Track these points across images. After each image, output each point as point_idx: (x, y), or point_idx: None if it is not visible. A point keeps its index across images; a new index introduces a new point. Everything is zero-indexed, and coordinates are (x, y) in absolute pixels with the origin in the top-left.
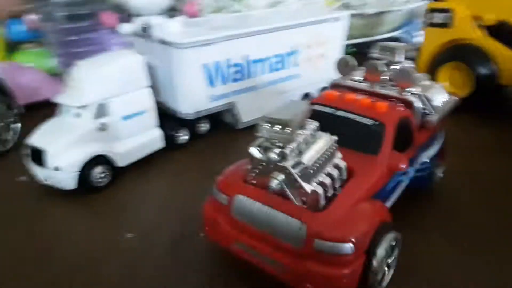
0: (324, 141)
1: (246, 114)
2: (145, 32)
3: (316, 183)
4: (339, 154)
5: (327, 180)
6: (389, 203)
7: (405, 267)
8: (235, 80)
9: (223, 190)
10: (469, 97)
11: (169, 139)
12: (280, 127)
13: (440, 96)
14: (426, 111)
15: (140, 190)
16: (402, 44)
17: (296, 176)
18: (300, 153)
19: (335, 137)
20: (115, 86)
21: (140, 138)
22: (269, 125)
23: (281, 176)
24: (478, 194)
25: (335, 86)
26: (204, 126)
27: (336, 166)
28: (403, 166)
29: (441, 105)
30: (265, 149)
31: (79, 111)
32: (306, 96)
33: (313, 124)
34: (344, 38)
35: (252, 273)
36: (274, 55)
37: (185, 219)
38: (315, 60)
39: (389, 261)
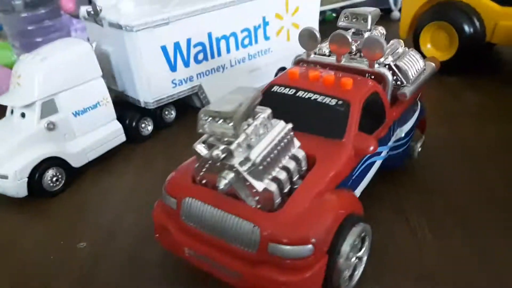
0: (278, 131)
1: (215, 97)
2: (92, 16)
3: (268, 179)
4: (296, 143)
5: (282, 175)
6: (359, 189)
7: (380, 255)
8: (198, 61)
9: (171, 193)
10: (454, 59)
11: (132, 131)
12: (222, 120)
13: (415, 65)
14: (399, 83)
15: (100, 190)
16: (370, 9)
17: (245, 174)
18: (249, 146)
19: (290, 125)
20: (61, 80)
21: (97, 134)
22: (211, 118)
23: (230, 175)
24: (462, 165)
25: (299, 62)
26: (170, 114)
27: (293, 157)
28: (372, 148)
29: (415, 75)
30: (210, 146)
31: (23, 111)
32: (281, 70)
33: (265, 113)
34: (318, 3)
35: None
36: (240, 30)
37: (147, 219)
38: (287, 31)
39: (359, 254)
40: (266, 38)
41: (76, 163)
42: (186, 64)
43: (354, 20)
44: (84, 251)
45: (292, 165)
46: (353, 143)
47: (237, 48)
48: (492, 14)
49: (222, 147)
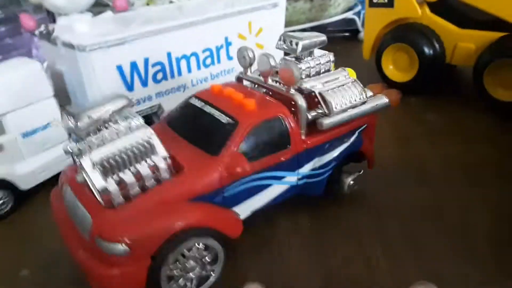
0: (136, 136)
1: None
2: (44, 35)
3: (114, 179)
4: (160, 151)
5: (129, 178)
6: (244, 208)
7: (334, 280)
8: (157, 80)
9: (60, 179)
10: (415, 80)
11: None
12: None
13: (346, 97)
14: (320, 112)
15: (48, 214)
16: (307, 33)
17: (87, 172)
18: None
19: (151, 132)
20: (9, 100)
21: (48, 155)
22: (67, 117)
23: (83, 171)
24: (418, 186)
25: (238, 78)
26: None
27: (152, 163)
28: (239, 170)
29: (343, 107)
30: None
31: None
32: None
33: (136, 119)
34: (282, 24)
35: None
36: (202, 50)
37: None
38: None
39: (211, 267)
40: (229, 58)
41: (25, 185)
42: (144, 83)
43: (289, 43)
44: (26, 280)
45: (145, 170)
46: (227, 161)
47: (198, 67)
48: (452, 36)
49: (72, 144)
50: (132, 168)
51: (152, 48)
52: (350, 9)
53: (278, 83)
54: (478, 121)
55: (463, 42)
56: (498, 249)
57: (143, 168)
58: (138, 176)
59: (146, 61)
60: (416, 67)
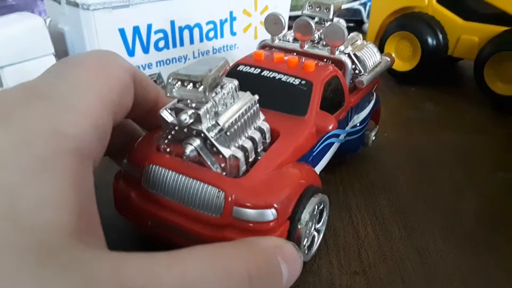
0: (244, 101)
1: None
2: None
3: (235, 147)
4: (262, 116)
5: (248, 144)
6: (318, 168)
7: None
8: (159, 48)
9: (133, 161)
10: (416, 69)
11: None
12: (192, 85)
13: (372, 57)
14: (357, 71)
15: None
16: (335, 0)
17: (212, 140)
18: (217, 114)
19: (256, 97)
20: (8, 53)
21: None
22: (179, 83)
23: (197, 142)
24: (411, 168)
25: (264, 47)
26: None
27: (259, 129)
28: (331, 127)
29: (372, 66)
30: (177, 112)
31: None
32: None
33: (232, 83)
34: (288, 5)
35: None
36: (206, 22)
37: None
38: (255, 28)
39: (318, 226)
40: (233, 33)
41: None
42: (145, 50)
43: (317, 9)
44: None
45: (257, 135)
46: (315, 120)
47: (201, 40)
48: (456, 28)
49: (190, 111)
50: (245, 134)
51: (156, 14)
52: None
53: (314, 48)
54: (475, 113)
55: (467, 35)
56: (486, 228)
57: (255, 133)
58: (252, 141)
59: (149, 27)
60: (418, 57)
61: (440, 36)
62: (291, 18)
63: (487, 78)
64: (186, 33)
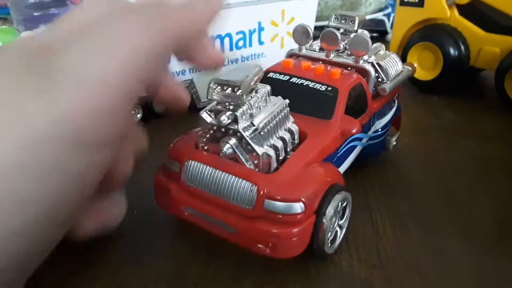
0: (276, 104)
1: (205, 93)
2: None
3: (267, 146)
4: (291, 118)
5: (279, 143)
6: (342, 169)
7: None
8: None
9: (174, 157)
10: (438, 79)
11: None
12: (230, 89)
13: (394, 66)
14: (380, 79)
15: None
16: (359, 13)
17: (248, 139)
18: (251, 116)
19: (287, 101)
20: None
21: None
22: (219, 87)
23: (233, 140)
24: (429, 173)
25: (291, 55)
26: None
27: (288, 130)
28: (355, 130)
29: (394, 74)
30: (216, 113)
31: None
32: None
33: (265, 88)
34: (314, 16)
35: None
36: (236, 32)
37: None
38: (282, 38)
39: (341, 222)
40: (261, 43)
41: None
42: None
43: (343, 21)
44: None
45: (287, 136)
46: (340, 124)
47: (231, 48)
48: (478, 39)
49: (228, 113)
50: (276, 134)
51: None
52: (380, 10)
53: (339, 57)
54: (494, 122)
55: (488, 46)
56: (501, 231)
57: (285, 134)
58: (282, 141)
59: None
60: (440, 66)
61: (462, 47)
62: (317, 28)
63: (507, 89)
64: (217, 42)
